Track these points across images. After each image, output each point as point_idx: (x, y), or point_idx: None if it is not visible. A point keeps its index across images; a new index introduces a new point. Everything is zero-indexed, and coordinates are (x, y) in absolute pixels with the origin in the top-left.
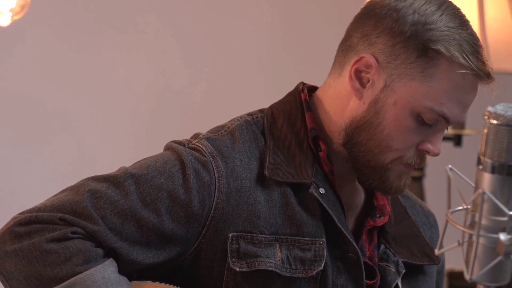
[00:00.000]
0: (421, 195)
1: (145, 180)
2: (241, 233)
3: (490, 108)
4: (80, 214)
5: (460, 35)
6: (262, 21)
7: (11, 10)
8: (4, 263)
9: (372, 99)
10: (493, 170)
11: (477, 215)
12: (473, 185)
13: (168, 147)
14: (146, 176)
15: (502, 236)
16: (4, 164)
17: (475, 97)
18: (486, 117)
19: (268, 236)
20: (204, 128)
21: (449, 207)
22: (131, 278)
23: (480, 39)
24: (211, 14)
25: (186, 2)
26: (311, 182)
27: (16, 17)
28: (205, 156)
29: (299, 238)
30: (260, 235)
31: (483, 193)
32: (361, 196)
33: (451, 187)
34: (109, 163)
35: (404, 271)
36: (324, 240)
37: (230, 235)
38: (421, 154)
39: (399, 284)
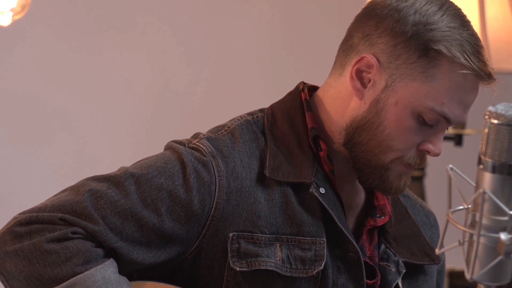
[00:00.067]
0: (421, 194)
1: (146, 180)
2: (241, 233)
3: (490, 108)
4: (80, 214)
5: (461, 35)
6: (262, 21)
7: (12, 9)
8: (5, 263)
9: (373, 99)
10: (493, 170)
11: (477, 215)
12: (474, 184)
13: (168, 147)
14: (147, 176)
15: (503, 236)
16: (5, 164)
17: (476, 97)
18: (486, 117)
19: (269, 235)
20: (204, 127)
21: (449, 207)
22: (131, 278)
23: (481, 39)
24: (211, 14)
25: (187, 2)
26: (311, 181)
27: (17, 17)
28: (205, 156)
29: (300, 237)
30: (260, 234)
31: (484, 192)
32: (361, 196)
33: (451, 187)
34: (110, 162)
35: (404, 270)
36: (325, 239)
37: (231, 234)
38: (422, 154)
39: (400, 284)
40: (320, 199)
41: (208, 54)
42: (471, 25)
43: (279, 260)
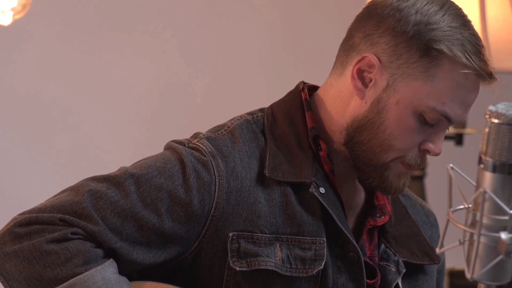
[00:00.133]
0: (422, 194)
1: (145, 180)
2: (241, 233)
3: (491, 107)
4: (80, 214)
5: (463, 35)
6: (263, 20)
7: (12, 9)
8: (4, 264)
9: (375, 98)
10: (494, 169)
11: (478, 214)
12: (474, 184)
13: (168, 147)
14: (146, 176)
15: (503, 235)
16: (6, 163)
17: (477, 97)
18: (487, 116)
19: (268, 235)
20: (204, 127)
21: (450, 206)
22: (131, 278)
23: (482, 39)
24: (212, 14)
25: (188, 3)
26: (311, 181)
27: (17, 16)
28: (205, 156)
29: (300, 237)
30: (260, 234)
31: (484, 192)
32: (361, 196)
33: (452, 186)
34: (111, 162)
35: (404, 270)
36: (325, 239)
37: (230, 234)
38: (423, 154)
39: (400, 284)
40: (320, 199)
41: (208, 54)
42: (472, 24)
43: (279, 260)
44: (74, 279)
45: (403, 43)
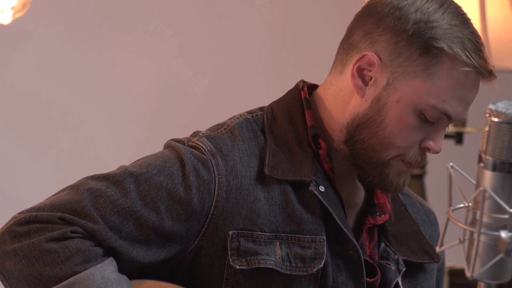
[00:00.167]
0: (422, 192)
1: (145, 179)
2: (241, 231)
3: (491, 106)
4: (79, 213)
5: (462, 33)
6: (263, 20)
7: (12, 8)
8: (4, 263)
9: (375, 97)
10: (494, 168)
11: (478, 213)
12: (474, 182)
13: (167, 145)
14: (146, 175)
15: (503, 234)
16: (6, 162)
17: (477, 94)
18: (487, 115)
19: (268, 234)
20: (205, 127)
21: (450, 205)
22: (131, 276)
23: (482, 38)
24: (212, 14)
25: (188, 2)
26: (310, 180)
27: (17, 15)
28: (204, 154)
29: (299, 235)
30: (260, 232)
31: (484, 190)
32: (361, 194)
33: (452, 185)
34: (111, 161)
35: (404, 269)
36: (324, 237)
37: (230, 233)
38: (423, 152)
39: (400, 282)
40: (320, 197)
41: (208, 54)
42: (471, 22)
43: (279, 258)
44: (73, 277)
45: (403, 41)
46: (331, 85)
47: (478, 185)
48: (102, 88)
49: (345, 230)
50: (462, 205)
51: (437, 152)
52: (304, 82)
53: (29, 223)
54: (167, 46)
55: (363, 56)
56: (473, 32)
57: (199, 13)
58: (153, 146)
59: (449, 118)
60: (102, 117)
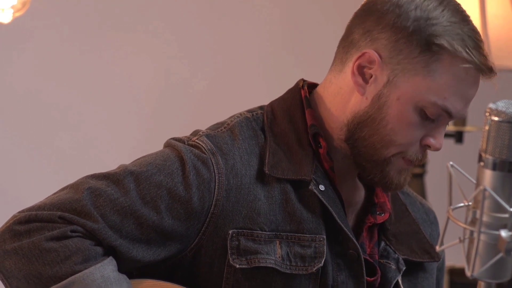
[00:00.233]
0: (422, 192)
1: (145, 178)
2: (241, 230)
3: (491, 105)
4: (79, 212)
5: (462, 29)
6: (262, 19)
7: (12, 7)
8: (4, 262)
9: (375, 94)
10: (494, 167)
11: (478, 212)
12: (474, 182)
13: (167, 144)
14: (146, 174)
15: (503, 233)
16: (6, 161)
17: (477, 92)
18: (487, 114)
19: (268, 232)
20: (205, 127)
21: (450, 204)
22: (131, 275)
23: (482, 36)
24: (212, 14)
25: (188, 2)
26: (310, 178)
27: (17, 14)
28: (204, 153)
29: (299, 234)
30: (260, 231)
31: (484, 189)
32: (361, 193)
33: (452, 184)
34: (111, 161)
35: (404, 268)
36: (324, 236)
37: (230, 231)
38: (423, 150)
39: (400, 281)
40: (320, 196)
41: (208, 53)
42: (470, 19)
43: (279, 257)
44: (73, 277)
45: (403, 39)
46: (330, 83)
47: (478, 184)
48: (102, 87)
49: (345, 229)
50: (462, 204)
51: (437, 149)
52: (304, 81)
53: (29, 222)
54: (167, 46)
55: (363, 54)
56: (473, 29)
57: (199, 13)
58: (153, 145)
59: (449, 115)
60: (102, 117)
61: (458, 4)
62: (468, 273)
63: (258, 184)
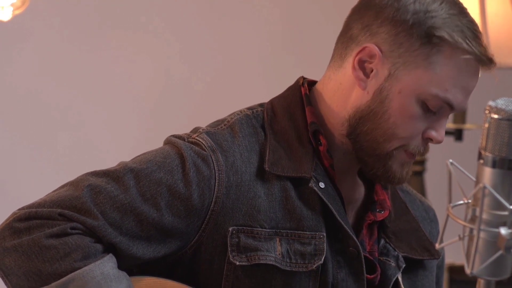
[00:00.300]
0: (422, 189)
1: (145, 175)
2: (241, 227)
3: (491, 103)
4: (79, 209)
5: (461, 21)
6: (262, 18)
7: (12, 4)
8: (4, 259)
9: (377, 88)
10: (494, 165)
11: (477, 209)
12: (474, 179)
13: (167, 141)
14: (146, 171)
15: (503, 230)
16: (7, 161)
17: (476, 86)
18: (487, 112)
19: (268, 230)
20: (205, 124)
21: (450, 201)
22: (131, 272)
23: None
24: (212, 13)
25: (188, 1)
26: (310, 176)
27: (17, 12)
28: (204, 150)
29: (299, 232)
30: (260, 229)
31: (484, 187)
32: (361, 191)
33: (452, 182)
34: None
35: (404, 265)
36: (324, 234)
37: (230, 229)
38: (425, 143)
39: (399, 279)
40: (320, 194)
41: (208, 53)
42: (468, 12)
43: (279, 254)
44: (73, 274)
45: (403, 32)
46: (330, 79)
47: (477, 181)
48: (102, 87)
49: (345, 226)
50: (461, 202)
51: (439, 141)
52: (304, 78)
53: (29, 219)
54: (167, 46)
55: (363, 48)
56: (471, 20)
57: (199, 13)
58: (153, 145)
59: (451, 107)
60: (102, 116)
61: None
62: (467, 270)
63: (258, 181)
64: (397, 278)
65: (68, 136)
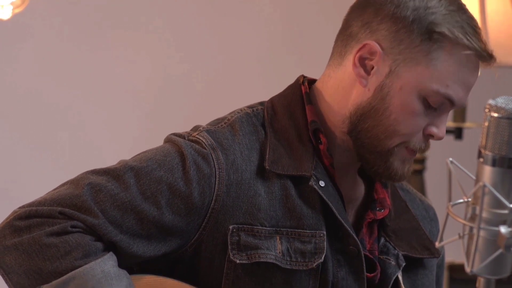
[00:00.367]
0: (421, 188)
1: (145, 173)
2: (241, 225)
3: (491, 101)
4: (80, 207)
5: (461, 17)
6: (262, 17)
7: (12, 3)
8: (4, 257)
9: (378, 85)
10: (493, 163)
11: (477, 208)
12: (474, 178)
13: (168, 140)
14: (146, 169)
15: (503, 229)
16: (7, 160)
17: (476, 84)
18: (487, 110)
19: (269, 228)
20: (204, 123)
21: (449, 200)
22: (131, 271)
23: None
24: (211, 12)
25: (188, 1)
26: (311, 174)
27: (17, 10)
28: (205, 148)
29: (299, 230)
30: (260, 227)
31: (484, 186)
32: (361, 189)
33: (451, 180)
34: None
35: (404, 264)
36: (324, 232)
37: (231, 227)
38: (426, 139)
39: (400, 277)
40: (320, 192)
41: (208, 51)
42: (467, 8)
43: (279, 252)
44: (73, 272)
45: (403, 28)
46: (329, 77)
47: (477, 180)
48: (101, 86)
49: (345, 225)
50: (461, 200)
51: (440, 138)
52: (304, 77)
53: (30, 217)
54: (167, 45)
55: (364, 45)
56: (471, 16)
57: (199, 12)
58: (153, 144)
59: (451, 103)
60: (101, 115)
61: None
62: (467, 269)
63: (258, 180)
64: (397, 277)
65: (67, 133)
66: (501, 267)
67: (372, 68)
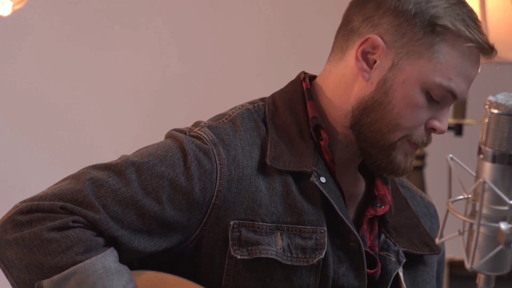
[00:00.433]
0: (421, 184)
1: (146, 168)
2: (242, 221)
3: (491, 98)
4: (81, 202)
5: (462, 10)
6: (262, 16)
7: None
8: (5, 252)
9: (380, 79)
10: (493, 160)
11: (477, 204)
12: (474, 174)
13: (169, 135)
14: (147, 164)
15: (503, 225)
16: (7, 159)
17: (477, 80)
18: (487, 107)
19: (269, 224)
20: (205, 117)
21: (449, 196)
22: (132, 266)
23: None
24: (211, 10)
25: (188, 1)
26: (312, 171)
27: (17, 7)
28: (206, 144)
29: (300, 226)
30: (261, 223)
31: (484, 182)
32: (361, 186)
33: (452, 177)
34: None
35: (404, 260)
36: (325, 228)
37: (232, 222)
38: (428, 133)
39: (400, 274)
40: (321, 188)
41: (207, 50)
42: (467, 2)
43: (280, 248)
44: (74, 267)
45: (406, 22)
46: (330, 73)
47: (477, 176)
48: (101, 84)
49: (346, 221)
50: (461, 197)
51: (442, 131)
52: (305, 73)
53: (31, 212)
54: (167, 45)
55: (366, 39)
56: (471, 10)
57: (199, 12)
58: (153, 142)
59: (454, 96)
60: (101, 113)
61: None
62: (467, 265)
63: (259, 176)
64: (398, 273)
65: (67, 133)
66: (501, 263)
67: (375, 62)
